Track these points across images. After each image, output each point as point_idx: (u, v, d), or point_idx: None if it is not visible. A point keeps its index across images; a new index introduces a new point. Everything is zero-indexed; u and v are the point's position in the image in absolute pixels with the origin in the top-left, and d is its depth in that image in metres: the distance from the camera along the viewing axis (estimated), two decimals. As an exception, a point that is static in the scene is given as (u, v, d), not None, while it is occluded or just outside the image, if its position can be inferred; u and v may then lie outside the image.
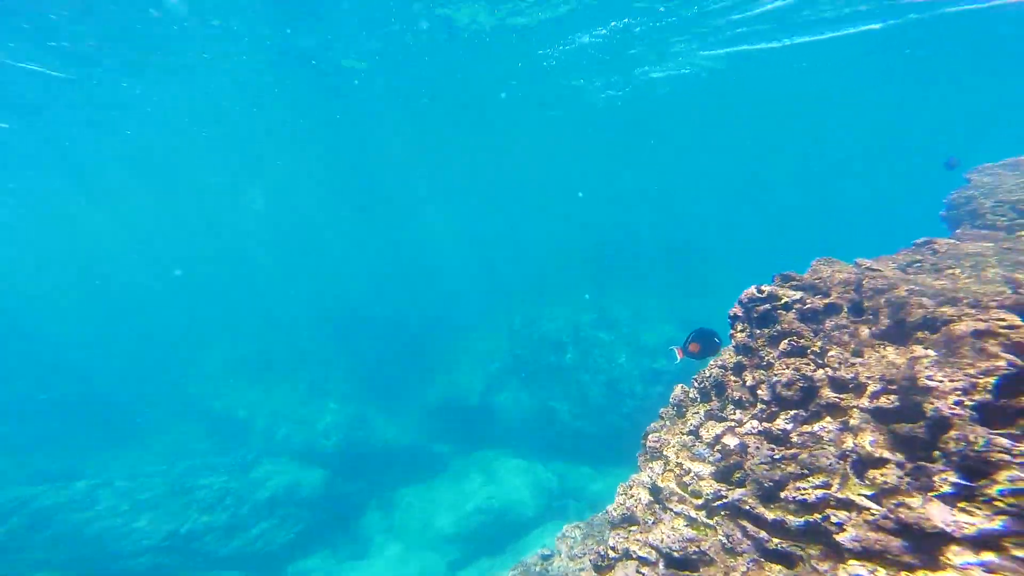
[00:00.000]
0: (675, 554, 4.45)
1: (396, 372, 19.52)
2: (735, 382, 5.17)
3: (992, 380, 2.92)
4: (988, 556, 2.59)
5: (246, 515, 13.84)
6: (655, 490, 5.21)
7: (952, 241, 5.06)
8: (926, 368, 3.23)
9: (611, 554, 4.78)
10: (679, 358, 5.51)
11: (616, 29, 13.36)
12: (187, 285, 35.89)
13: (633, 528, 5.09)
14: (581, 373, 16.75)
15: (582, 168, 39.61)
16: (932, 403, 3.11)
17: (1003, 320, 3.13)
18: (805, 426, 4.09)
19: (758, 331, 4.96)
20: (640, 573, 4.60)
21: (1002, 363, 2.93)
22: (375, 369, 19.76)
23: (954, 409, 3.01)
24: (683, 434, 5.41)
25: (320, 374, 19.71)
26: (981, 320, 3.19)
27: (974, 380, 2.99)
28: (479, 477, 14.78)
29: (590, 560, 5.32)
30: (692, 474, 4.93)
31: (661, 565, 4.57)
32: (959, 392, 3.02)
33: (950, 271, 4.46)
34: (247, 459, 15.56)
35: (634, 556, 4.65)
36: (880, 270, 4.90)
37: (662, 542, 4.55)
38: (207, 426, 18.41)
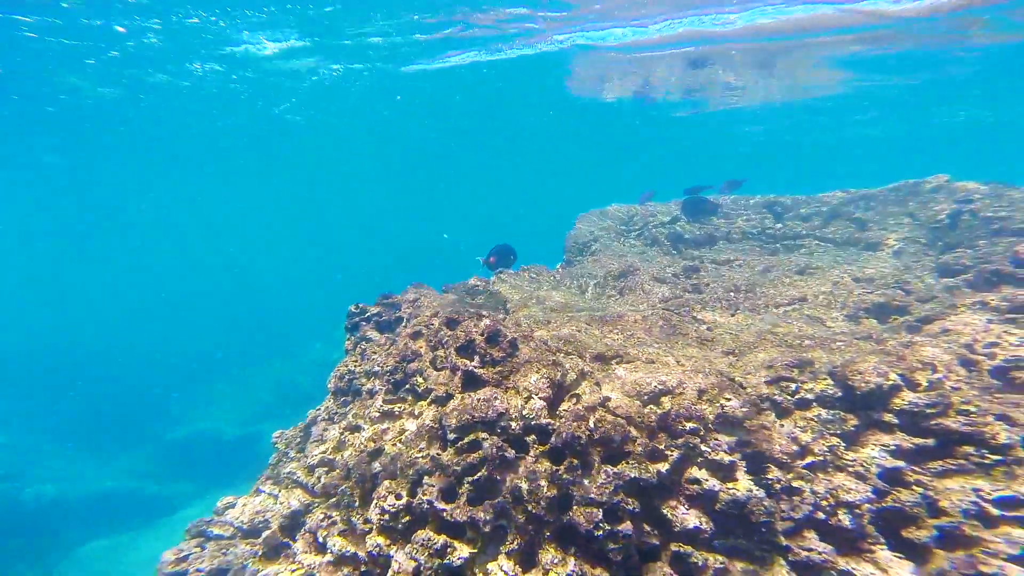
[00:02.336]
0: (244, 526, 5.19)
1: (119, 411, 16.85)
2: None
3: (405, 364, 4.39)
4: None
5: None
6: (273, 478, 5.93)
7: (512, 272, 7.03)
8: (378, 357, 4.63)
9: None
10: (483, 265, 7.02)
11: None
12: None
13: (227, 511, 5.70)
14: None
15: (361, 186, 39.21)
16: (363, 382, 4.48)
17: (432, 324, 4.69)
18: (347, 408, 5.28)
19: (354, 337, 6.15)
20: (217, 544, 5.21)
21: (409, 352, 4.43)
22: (83, 411, 16.72)
23: (378, 382, 4.40)
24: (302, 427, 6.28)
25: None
26: (421, 325, 4.72)
27: (396, 363, 4.43)
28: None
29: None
30: (293, 460, 5.79)
31: (237, 539, 5.26)
32: (388, 373, 4.44)
33: (485, 294, 6.26)
34: None
35: (211, 536, 5.24)
36: (441, 295, 6.57)
37: (236, 519, 5.25)
38: None
